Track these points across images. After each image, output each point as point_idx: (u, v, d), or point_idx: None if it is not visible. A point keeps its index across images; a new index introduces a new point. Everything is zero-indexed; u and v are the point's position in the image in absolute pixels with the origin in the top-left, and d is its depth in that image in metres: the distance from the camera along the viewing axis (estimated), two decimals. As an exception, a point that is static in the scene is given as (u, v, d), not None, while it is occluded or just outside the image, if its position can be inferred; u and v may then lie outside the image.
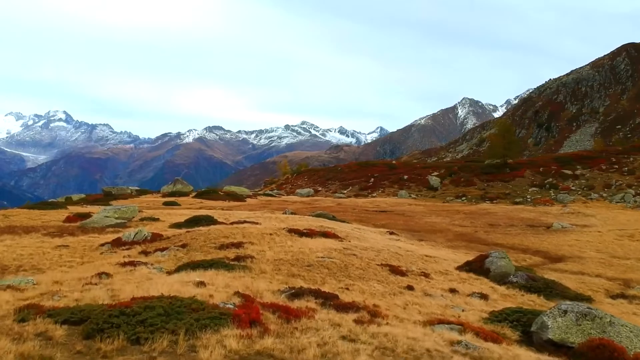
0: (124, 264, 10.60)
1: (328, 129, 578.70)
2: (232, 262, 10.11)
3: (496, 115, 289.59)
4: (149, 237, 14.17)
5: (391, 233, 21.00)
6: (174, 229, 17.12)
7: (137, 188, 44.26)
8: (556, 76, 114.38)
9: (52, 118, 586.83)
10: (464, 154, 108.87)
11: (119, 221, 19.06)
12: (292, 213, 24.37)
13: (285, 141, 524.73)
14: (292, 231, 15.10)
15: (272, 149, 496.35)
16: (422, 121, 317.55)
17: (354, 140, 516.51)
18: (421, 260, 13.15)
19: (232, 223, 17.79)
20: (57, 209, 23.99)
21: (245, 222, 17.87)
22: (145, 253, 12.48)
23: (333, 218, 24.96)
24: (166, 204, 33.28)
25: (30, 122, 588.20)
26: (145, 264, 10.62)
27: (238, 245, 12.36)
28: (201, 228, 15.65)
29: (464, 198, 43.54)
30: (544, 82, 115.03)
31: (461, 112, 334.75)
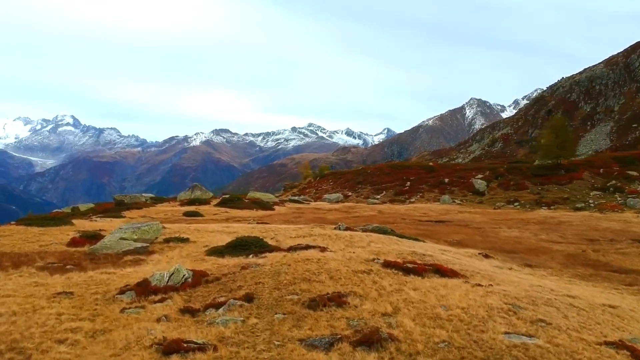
0: (166, 349, 6.04)
1: (335, 131, 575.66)
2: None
3: (504, 115, 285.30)
4: (189, 279, 9.61)
5: (486, 256, 16.31)
6: (216, 259, 12.58)
7: (151, 195, 39.86)
8: (562, 75, 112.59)
9: (59, 122, 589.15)
10: (475, 155, 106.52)
11: (138, 245, 14.57)
12: (347, 228, 19.73)
13: (292, 143, 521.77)
14: (390, 265, 10.50)
15: (279, 151, 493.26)
16: (430, 122, 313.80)
17: (360, 142, 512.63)
18: (617, 318, 8.46)
19: (291, 248, 13.20)
20: (60, 225, 19.59)
21: (308, 247, 13.25)
22: (191, 312, 7.91)
23: (392, 232, 20.35)
24: (188, 214, 28.84)
25: (38, 127, 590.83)
26: (203, 349, 6.05)
27: (339, 300, 7.74)
28: (258, 261, 11.07)
29: (516, 204, 38.72)
30: (556, 81, 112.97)
31: (469, 113, 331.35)
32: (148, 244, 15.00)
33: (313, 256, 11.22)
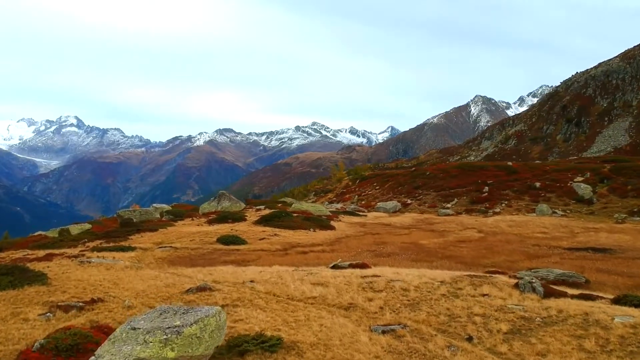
0: None
1: (339, 130, 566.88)
2: None
3: (510, 112, 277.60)
4: None
5: None
6: None
7: (166, 207, 30.70)
8: (569, 71, 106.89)
9: (63, 123, 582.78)
10: (488, 152, 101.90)
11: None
12: (545, 291, 10.65)
13: (296, 142, 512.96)
14: None
15: (283, 150, 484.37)
16: (435, 120, 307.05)
17: (365, 141, 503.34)
18: None
19: None
20: (21, 285, 10.63)
21: None
22: None
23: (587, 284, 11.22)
24: (224, 241, 19.83)
25: (42, 128, 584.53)
26: None
27: None
28: None
29: (643, 215, 29.50)
30: (570, 76, 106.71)
31: (474, 110, 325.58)
32: (205, 385, 5.97)
33: None
